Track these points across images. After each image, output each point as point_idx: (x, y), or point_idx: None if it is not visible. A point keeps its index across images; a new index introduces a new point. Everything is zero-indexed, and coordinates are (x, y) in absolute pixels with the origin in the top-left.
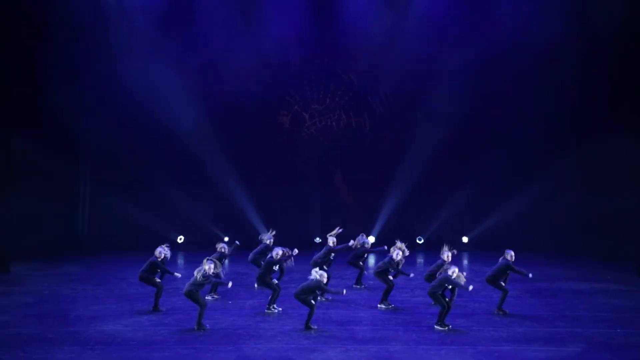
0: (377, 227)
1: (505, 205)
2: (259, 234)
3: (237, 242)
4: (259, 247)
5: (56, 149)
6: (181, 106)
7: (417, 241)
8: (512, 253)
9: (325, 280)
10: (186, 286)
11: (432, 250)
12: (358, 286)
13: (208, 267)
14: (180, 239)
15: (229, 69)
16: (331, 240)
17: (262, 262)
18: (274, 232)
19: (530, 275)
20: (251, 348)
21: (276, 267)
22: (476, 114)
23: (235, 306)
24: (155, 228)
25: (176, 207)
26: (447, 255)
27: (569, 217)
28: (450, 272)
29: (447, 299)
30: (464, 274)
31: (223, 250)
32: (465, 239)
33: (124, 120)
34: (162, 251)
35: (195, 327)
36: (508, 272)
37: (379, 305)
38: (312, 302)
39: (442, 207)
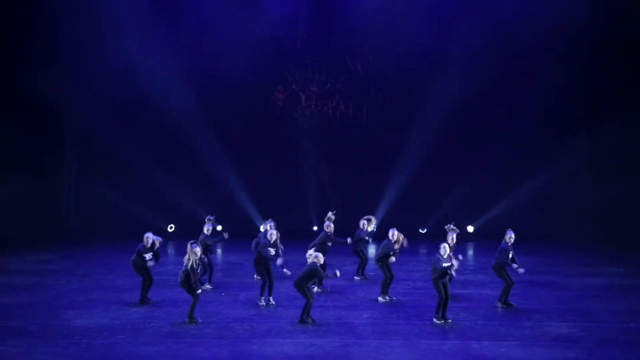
0: (378, 218)
1: (513, 193)
2: (252, 222)
3: (225, 235)
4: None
5: (39, 131)
6: (171, 86)
7: (420, 231)
8: (512, 234)
9: (321, 261)
10: (180, 275)
11: (435, 240)
12: (358, 277)
13: (194, 251)
14: (171, 228)
15: (223, 46)
16: (327, 225)
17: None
18: (271, 224)
19: (522, 270)
20: (245, 342)
21: (273, 251)
22: (482, 99)
23: (229, 298)
24: (145, 215)
25: (167, 193)
26: (451, 237)
27: (582, 205)
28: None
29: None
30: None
31: (207, 231)
32: (470, 229)
33: (111, 102)
34: (150, 237)
35: (187, 320)
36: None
37: (378, 298)
38: (309, 293)
39: (445, 196)
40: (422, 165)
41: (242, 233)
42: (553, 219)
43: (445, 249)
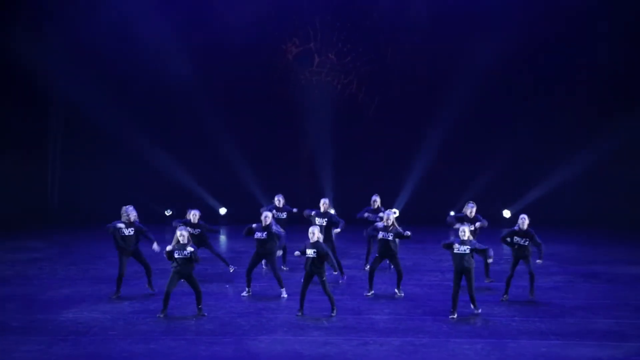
0: (402, 202)
1: (551, 175)
2: (257, 204)
3: (219, 233)
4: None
5: (19, 103)
6: (169, 51)
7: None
8: (524, 220)
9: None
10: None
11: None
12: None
13: (183, 236)
14: (169, 212)
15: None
16: (324, 208)
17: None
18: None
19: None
20: (252, 340)
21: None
22: (513, 75)
23: (234, 291)
24: (139, 198)
25: (164, 173)
26: (470, 209)
27: (624, 188)
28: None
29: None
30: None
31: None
32: (507, 213)
33: (101, 73)
34: (127, 212)
35: (197, 313)
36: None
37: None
38: (324, 282)
39: (477, 178)
40: (450, 145)
41: (247, 216)
42: (594, 203)
43: (463, 232)
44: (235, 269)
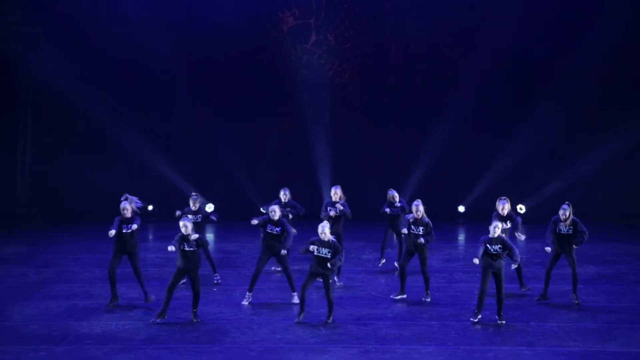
0: (409, 192)
1: (572, 166)
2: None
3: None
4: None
5: None
6: (150, 27)
7: (459, 212)
8: (566, 210)
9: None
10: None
11: (474, 223)
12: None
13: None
14: (151, 208)
15: None
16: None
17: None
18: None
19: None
20: (242, 348)
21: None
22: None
23: (222, 294)
24: (118, 191)
25: (144, 165)
26: (501, 206)
27: None
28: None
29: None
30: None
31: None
32: (521, 208)
33: (77, 54)
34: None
35: (191, 318)
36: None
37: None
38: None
39: (487, 171)
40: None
41: (237, 213)
42: (616, 198)
43: (496, 229)
44: (220, 282)
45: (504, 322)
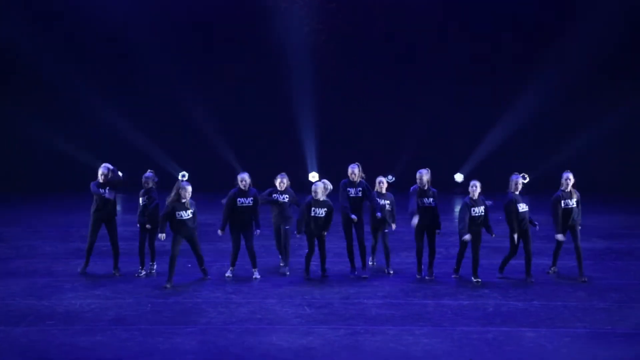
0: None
1: (573, 137)
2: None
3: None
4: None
5: None
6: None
7: (456, 179)
8: (569, 179)
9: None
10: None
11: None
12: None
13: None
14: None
15: None
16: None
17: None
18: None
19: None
20: (219, 329)
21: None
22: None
23: (197, 269)
24: (87, 163)
25: (123, 140)
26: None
27: None
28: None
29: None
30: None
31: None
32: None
33: (54, 26)
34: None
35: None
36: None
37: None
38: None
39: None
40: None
41: (215, 184)
42: (625, 168)
43: (474, 189)
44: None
45: (479, 280)
